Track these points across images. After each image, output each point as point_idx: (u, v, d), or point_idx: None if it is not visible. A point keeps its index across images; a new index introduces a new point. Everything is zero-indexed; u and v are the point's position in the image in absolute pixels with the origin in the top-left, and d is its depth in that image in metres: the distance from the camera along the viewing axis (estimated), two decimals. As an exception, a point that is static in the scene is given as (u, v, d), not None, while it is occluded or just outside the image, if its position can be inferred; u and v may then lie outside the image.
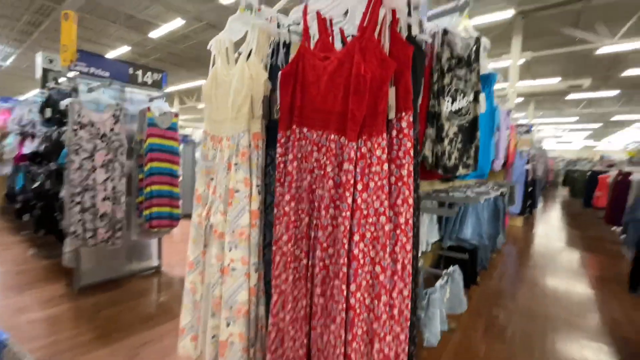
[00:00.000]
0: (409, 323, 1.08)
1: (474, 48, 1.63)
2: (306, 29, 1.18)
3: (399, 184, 1.03)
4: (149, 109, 3.00)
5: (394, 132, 1.04)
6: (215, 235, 1.30)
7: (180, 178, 5.31)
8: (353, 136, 0.98)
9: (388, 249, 1.03)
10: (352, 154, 0.98)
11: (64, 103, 2.79)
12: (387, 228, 1.02)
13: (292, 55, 1.30)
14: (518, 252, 4.82)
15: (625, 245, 3.93)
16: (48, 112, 3.17)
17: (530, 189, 6.79)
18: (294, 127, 1.13)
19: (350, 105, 0.97)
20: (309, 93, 1.10)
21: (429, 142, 1.50)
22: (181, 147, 5.77)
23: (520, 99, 12.54)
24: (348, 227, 0.98)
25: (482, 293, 3.17)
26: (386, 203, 1.01)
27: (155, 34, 8.72)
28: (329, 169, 1.03)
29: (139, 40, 9.47)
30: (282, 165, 1.17)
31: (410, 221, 1.07)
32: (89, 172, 2.63)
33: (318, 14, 1.18)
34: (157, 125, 3.04)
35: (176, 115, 3.12)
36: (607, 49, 7.10)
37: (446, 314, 1.88)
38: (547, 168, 10.62)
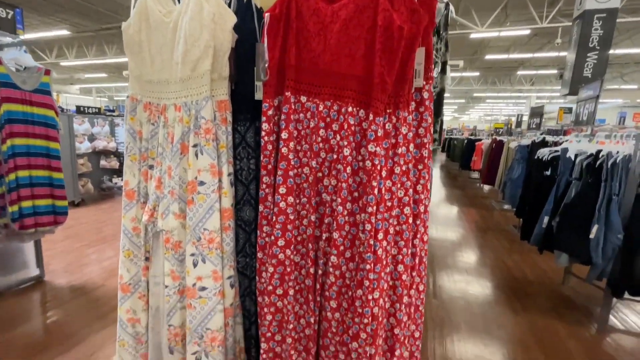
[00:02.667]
0: (423, 319, 0.99)
1: (444, 14, 1.54)
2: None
3: (420, 166, 0.87)
4: (-3, 60, 2.07)
5: (413, 105, 0.86)
6: (167, 246, 0.93)
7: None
8: (381, 109, 0.76)
9: (410, 244, 0.88)
10: (380, 132, 0.76)
11: None
12: (410, 220, 0.86)
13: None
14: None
15: (504, 200, 4.82)
16: None
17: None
18: (288, 94, 0.83)
19: (378, 68, 0.74)
20: (309, 48, 0.81)
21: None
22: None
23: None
24: (374, 224, 0.79)
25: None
26: (411, 191, 0.85)
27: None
28: (346, 151, 0.79)
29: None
30: (269, 147, 0.87)
31: (428, 208, 0.94)
32: None
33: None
34: (16, 85, 2.15)
35: (47, 71, 2.25)
36: (477, 35, 8.26)
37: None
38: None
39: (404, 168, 0.82)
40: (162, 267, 0.97)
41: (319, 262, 0.86)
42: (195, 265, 0.90)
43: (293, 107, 0.83)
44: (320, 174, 0.84)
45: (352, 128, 0.79)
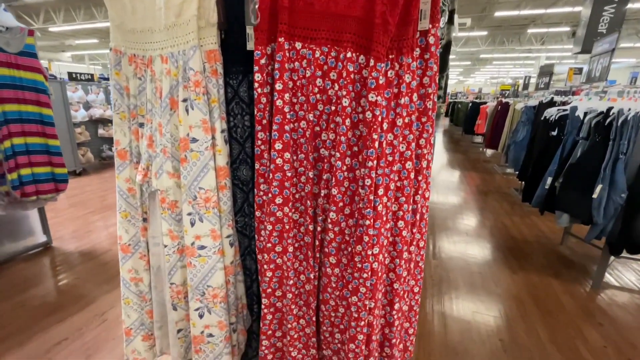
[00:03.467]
0: (422, 274, 0.99)
1: (453, -45, 1.40)
2: None
3: (423, 119, 0.83)
4: (-24, 20, 1.96)
5: (418, 52, 0.79)
6: (163, 206, 0.91)
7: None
8: (382, 53, 0.70)
9: (411, 200, 0.86)
10: (382, 80, 0.71)
11: None
12: (412, 176, 0.83)
13: None
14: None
15: (507, 163, 4.77)
16: None
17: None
18: (281, 40, 0.76)
19: (380, 6, 0.67)
20: (303, -14, 0.73)
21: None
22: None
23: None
24: (374, 179, 0.76)
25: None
26: (413, 145, 0.81)
27: None
28: (345, 102, 0.74)
29: None
30: (263, 100, 0.82)
31: (430, 164, 0.90)
32: None
33: None
34: (1, 48, 2.04)
35: (30, 32, 2.13)
36: None
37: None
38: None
39: (406, 120, 0.78)
40: (160, 227, 0.96)
41: (317, 219, 0.85)
42: (192, 224, 0.89)
43: (287, 54, 0.76)
44: (318, 128, 0.80)
45: (352, 76, 0.73)
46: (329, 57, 0.75)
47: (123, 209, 0.99)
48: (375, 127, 0.73)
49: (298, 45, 0.76)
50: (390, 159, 0.79)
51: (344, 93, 0.73)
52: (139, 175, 0.93)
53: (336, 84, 0.75)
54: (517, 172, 3.61)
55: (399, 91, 0.75)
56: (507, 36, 13.91)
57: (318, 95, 0.77)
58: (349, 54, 0.72)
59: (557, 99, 3.34)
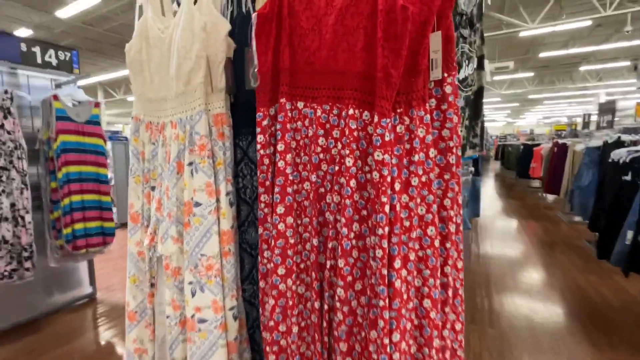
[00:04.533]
0: (463, 365, 0.79)
1: (477, 2, 1.36)
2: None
3: (446, 176, 0.71)
4: (55, 97, 2.31)
5: (434, 102, 0.71)
6: (167, 272, 0.87)
7: (112, 182, 4.50)
8: (387, 108, 0.62)
9: (438, 273, 0.71)
10: (388, 137, 0.63)
11: None
12: (437, 243, 0.69)
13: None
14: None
15: (572, 211, 4.20)
16: None
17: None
18: (283, 101, 0.73)
19: (381, 59, 0.61)
20: (304, 47, 0.71)
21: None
22: (109, 145, 4.89)
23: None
24: (387, 249, 0.64)
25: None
26: (435, 207, 0.69)
27: (63, 13, 7.21)
28: (348, 162, 0.66)
29: (44, 21, 7.82)
30: (266, 161, 0.77)
31: (460, 227, 0.76)
32: (-31, 187, 1.92)
33: None
34: (71, 118, 2.37)
35: (97, 104, 2.46)
36: (528, 32, 7.58)
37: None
38: (484, 144, 11.44)
39: (423, 179, 0.67)
40: (165, 296, 0.90)
41: (324, 294, 0.73)
42: (193, 294, 0.82)
43: (289, 114, 0.73)
44: (322, 190, 0.72)
45: (355, 134, 0.66)
46: (330, 114, 0.69)
47: (132, 273, 0.96)
48: (384, 188, 0.63)
49: (300, 104, 0.73)
50: (407, 224, 0.67)
51: (347, 152, 0.66)
52: (147, 239, 0.91)
53: (339, 143, 0.68)
54: (587, 221, 3.12)
55: (411, 147, 0.66)
56: (556, 75, 13.31)
57: (321, 155, 0.71)
58: (350, 111, 0.65)
59: (626, 137, 2.95)
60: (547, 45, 9.52)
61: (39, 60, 2.42)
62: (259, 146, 0.76)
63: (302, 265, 0.75)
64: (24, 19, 7.81)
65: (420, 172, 0.67)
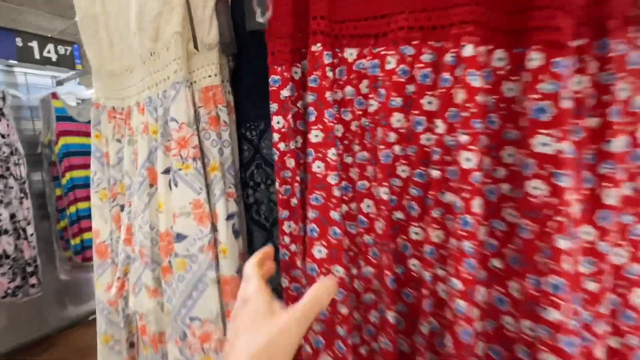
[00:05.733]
0: None
1: None
2: None
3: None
4: (54, 95, 2.09)
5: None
6: (144, 339, 0.56)
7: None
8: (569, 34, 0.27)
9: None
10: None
11: None
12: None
13: None
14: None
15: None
16: None
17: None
18: (317, 49, 0.39)
19: None
20: None
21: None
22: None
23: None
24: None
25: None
26: None
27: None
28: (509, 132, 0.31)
29: (65, 28, 7.85)
30: (290, 163, 0.43)
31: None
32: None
33: None
34: (72, 118, 2.15)
35: (98, 101, 2.22)
36: None
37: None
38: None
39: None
40: (148, 366, 0.60)
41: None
42: (181, 380, 0.51)
43: (329, 74, 0.38)
44: (400, 215, 0.37)
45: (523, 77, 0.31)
46: (416, 62, 0.34)
47: (103, 330, 0.67)
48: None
49: (350, 53, 0.38)
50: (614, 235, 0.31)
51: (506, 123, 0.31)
52: (114, 287, 0.60)
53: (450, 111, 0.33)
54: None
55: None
56: None
57: (397, 149, 0.36)
58: (469, 48, 0.30)
59: None
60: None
61: (37, 56, 2.21)
62: (276, 136, 0.43)
63: (361, 350, 0.41)
64: (47, 27, 7.90)
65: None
